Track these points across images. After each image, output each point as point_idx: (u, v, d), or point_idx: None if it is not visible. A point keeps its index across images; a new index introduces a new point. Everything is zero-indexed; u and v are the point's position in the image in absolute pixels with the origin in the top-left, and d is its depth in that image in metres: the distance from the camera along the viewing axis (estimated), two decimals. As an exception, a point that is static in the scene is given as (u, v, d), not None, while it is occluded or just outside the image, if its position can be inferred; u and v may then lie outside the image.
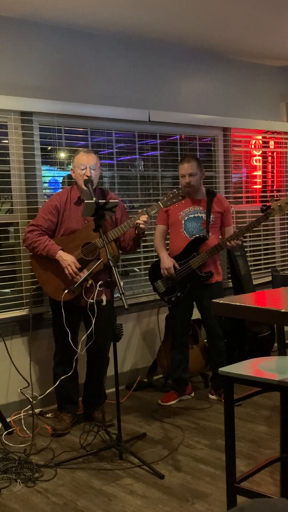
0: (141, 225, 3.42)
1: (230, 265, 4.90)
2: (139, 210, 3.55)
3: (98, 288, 3.32)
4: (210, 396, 4.18)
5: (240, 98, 5.23)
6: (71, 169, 3.65)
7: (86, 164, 3.53)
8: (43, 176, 4.11)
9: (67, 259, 3.44)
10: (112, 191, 4.32)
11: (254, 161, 5.47)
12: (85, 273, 3.44)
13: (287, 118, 5.66)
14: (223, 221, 4.09)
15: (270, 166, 5.63)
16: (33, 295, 3.89)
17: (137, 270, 4.71)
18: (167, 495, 2.82)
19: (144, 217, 3.42)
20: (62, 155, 4.18)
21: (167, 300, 4.05)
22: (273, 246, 5.67)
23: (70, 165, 3.70)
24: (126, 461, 3.19)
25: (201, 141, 4.99)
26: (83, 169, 3.52)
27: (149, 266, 4.19)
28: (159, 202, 3.49)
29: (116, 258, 3.62)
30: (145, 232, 4.50)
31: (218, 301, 2.06)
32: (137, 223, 3.41)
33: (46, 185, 4.18)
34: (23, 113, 3.88)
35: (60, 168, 4.26)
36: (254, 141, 5.46)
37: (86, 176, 3.50)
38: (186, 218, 4.00)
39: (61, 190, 3.80)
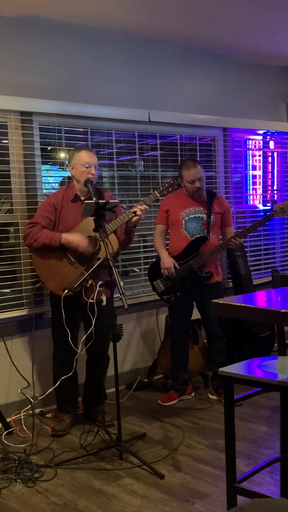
0: (137, 212, 3.41)
1: (230, 265, 4.90)
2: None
3: (98, 288, 3.32)
4: (210, 396, 4.18)
5: (240, 98, 5.23)
6: (70, 165, 3.64)
7: (90, 162, 3.55)
8: (43, 176, 4.11)
9: (74, 239, 3.45)
10: (112, 191, 4.33)
11: (254, 161, 5.47)
12: (85, 273, 3.44)
13: (287, 118, 5.66)
14: (224, 222, 4.10)
15: (270, 166, 5.63)
16: (34, 294, 3.89)
17: (137, 270, 4.71)
18: (167, 495, 2.82)
19: (142, 206, 3.42)
20: (62, 155, 4.18)
21: (166, 300, 4.05)
22: (273, 246, 5.67)
23: (71, 160, 3.68)
24: (126, 461, 3.19)
25: (201, 141, 4.99)
26: (87, 167, 3.53)
27: (149, 266, 4.20)
28: (155, 191, 3.51)
29: (117, 253, 3.62)
30: (145, 232, 4.54)
31: (218, 301, 2.07)
32: (134, 211, 3.42)
33: (47, 185, 4.19)
34: (23, 113, 3.88)
35: (60, 168, 4.26)
36: (254, 141, 5.46)
37: (91, 174, 3.52)
38: (186, 218, 4.00)
39: (57, 190, 3.81)
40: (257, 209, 5.45)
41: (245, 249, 5.10)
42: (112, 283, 3.08)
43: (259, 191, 5.53)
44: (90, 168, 3.54)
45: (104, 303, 3.29)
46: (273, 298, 2.31)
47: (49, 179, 4.28)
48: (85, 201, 3.25)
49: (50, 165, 4.24)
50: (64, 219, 3.58)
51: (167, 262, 3.94)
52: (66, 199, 3.61)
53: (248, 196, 5.46)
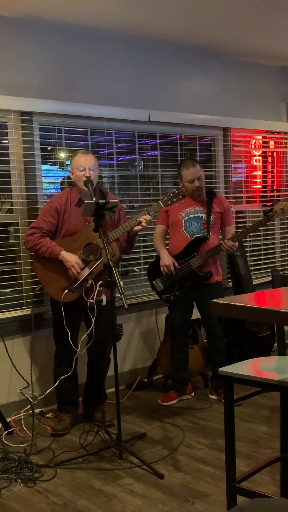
0: (142, 223, 3.43)
1: (230, 265, 4.90)
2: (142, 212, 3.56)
3: (98, 288, 3.32)
4: (210, 396, 4.18)
5: (240, 98, 5.23)
6: (70, 171, 3.65)
7: (84, 165, 3.54)
8: (43, 176, 4.11)
9: (71, 260, 3.45)
10: (112, 191, 4.33)
11: (254, 161, 5.47)
12: (85, 273, 3.44)
13: (287, 118, 5.66)
14: (223, 221, 4.10)
15: (270, 166, 5.63)
16: (34, 295, 3.89)
17: (137, 270, 4.71)
18: (167, 495, 2.82)
19: (147, 216, 3.44)
20: (62, 155, 4.18)
21: (165, 299, 4.05)
22: (273, 246, 5.67)
23: (69, 166, 3.71)
24: (126, 461, 3.19)
25: (201, 141, 4.99)
26: (82, 170, 3.53)
27: (148, 265, 4.19)
28: (159, 201, 3.51)
29: (118, 259, 3.62)
30: (145, 232, 4.54)
31: (218, 301, 2.06)
32: (139, 220, 3.43)
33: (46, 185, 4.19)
34: (23, 113, 3.88)
35: (60, 168, 4.26)
36: (254, 141, 5.46)
37: (85, 177, 3.50)
38: (186, 218, 4.01)
39: (61, 192, 3.80)
40: (257, 209, 5.45)
41: (245, 249, 5.10)
42: (112, 283, 3.08)
43: (259, 191, 5.52)
44: (84, 171, 3.53)
45: (104, 302, 3.30)
46: (273, 298, 2.31)
47: (49, 179, 4.28)
48: (85, 201, 3.25)
49: (50, 165, 4.24)
50: (67, 222, 3.58)
51: (167, 259, 3.94)
52: (69, 202, 3.61)
53: (248, 196, 5.46)
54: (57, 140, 4.10)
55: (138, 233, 3.62)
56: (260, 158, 5.49)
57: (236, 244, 3.91)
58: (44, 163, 4.11)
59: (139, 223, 3.44)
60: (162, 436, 3.54)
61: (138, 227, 3.45)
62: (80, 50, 4.18)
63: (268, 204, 5.42)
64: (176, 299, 4.00)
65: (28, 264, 3.88)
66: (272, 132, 5.55)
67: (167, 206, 3.58)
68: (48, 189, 4.19)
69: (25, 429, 3.65)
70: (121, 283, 3.05)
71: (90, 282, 3.42)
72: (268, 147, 5.60)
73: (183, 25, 4.19)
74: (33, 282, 3.91)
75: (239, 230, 4.06)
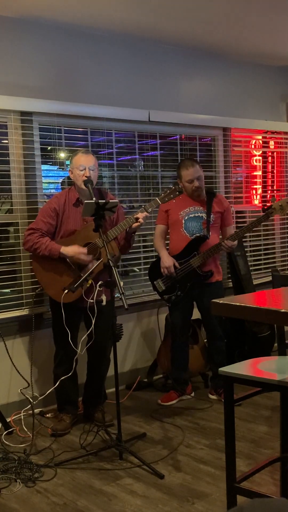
0: (140, 220, 3.42)
1: (230, 265, 4.90)
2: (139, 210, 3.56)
3: (98, 288, 3.32)
4: (210, 396, 4.18)
5: (240, 98, 5.23)
6: (69, 170, 3.65)
7: (85, 164, 3.53)
8: (43, 176, 4.11)
9: (73, 253, 3.44)
10: (112, 191, 4.33)
11: (254, 161, 5.47)
12: (85, 273, 3.44)
13: (287, 118, 5.66)
14: (223, 221, 4.10)
15: (270, 166, 5.63)
16: (34, 295, 3.89)
17: (137, 270, 4.71)
18: (167, 495, 2.82)
19: (144, 213, 3.43)
20: (62, 155, 4.18)
21: (166, 299, 4.05)
22: (273, 246, 5.67)
23: (69, 165, 3.71)
24: (126, 461, 3.19)
25: (201, 141, 4.99)
26: (82, 170, 3.53)
27: (149, 266, 4.20)
28: (156, 198, 3.52)
29: (117, 258, 3.62)
30: (145, 232, 4.54)
31: (218, 301, 2.06)
32: (136, 218, 3.42)
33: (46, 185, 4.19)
34: (23, 113, 3.88)
35: (60, 168, 4.26)
36: (254, 141, 5.46)
37: (86, 176, 3.50)
38: (186, 217, 4.01)
39: (59, 192, 3.80)
40: (257, 209, 5.45)
41: (245, 249, 5.10)
42: (112, 283, 3.08)
43: (259, 191, 5.52)
44: (84, 170, 3.53)
45: (104, 302, 3.30)
46: (273, 298, 2.31)
47: (49, 179, 4.28)
48: (85, 201, 3.25)
49: (50, 165, 4.24)
50: (65, 223, 3.58)
51: (167, 261, 3.95)
52: (68, 202, 3.60)
53: (248, 196, 5.46)
54: (57, 140, 4.10)
55: (137, 232, 3.62)
56: (260, 158, 5.49)
57: (235, 242, 3.93)
58: (44, 163, 4.11)
59: (137, 219, 3.43)
60: (162, 436, 3.54)
61: (136, 224, 3.44)
62: (80, 50, 4.18)
63: (269, 204, 5.42)
64: (178, 299, 4.00)
65: (28, 264, 3.87)
66: (272, 132, 5.55)
67: (164, 202, 3.58)
68: (48, 189, 4.19)
69: (25, 429, 3.65)
70: (121, 283, 3.05)
71: (90, 282, 3.42)
72: (268, 147, 5.60)
73: (183, 25, 4.20)
74: (33, 282, 3.91)
75: (237, 230, 4.06)
